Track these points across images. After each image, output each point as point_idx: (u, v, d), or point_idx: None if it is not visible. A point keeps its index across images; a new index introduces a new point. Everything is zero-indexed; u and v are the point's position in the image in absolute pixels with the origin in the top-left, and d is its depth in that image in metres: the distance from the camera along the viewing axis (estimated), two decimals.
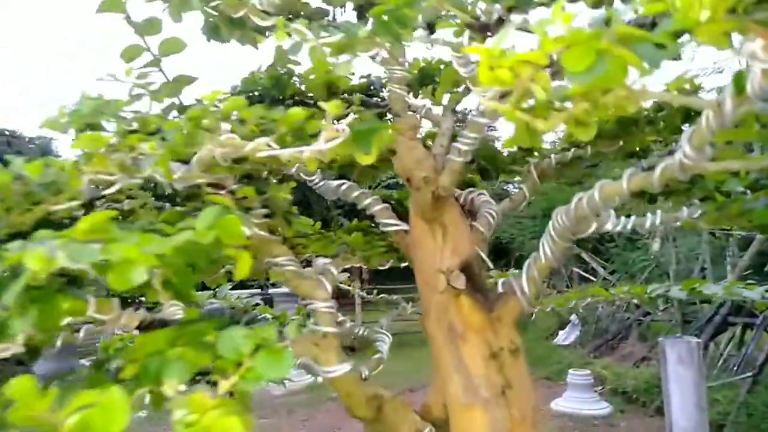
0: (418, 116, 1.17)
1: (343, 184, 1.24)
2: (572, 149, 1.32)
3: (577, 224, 0.95)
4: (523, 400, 1.06)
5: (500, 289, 1.11)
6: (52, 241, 0.52)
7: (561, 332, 11.28)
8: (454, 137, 1.17)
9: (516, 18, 0.85)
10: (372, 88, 1.42)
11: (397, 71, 1.08)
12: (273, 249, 1.00)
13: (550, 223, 0.98)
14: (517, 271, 1.13)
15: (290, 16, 1.00)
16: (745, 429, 6.48)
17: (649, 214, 1.02)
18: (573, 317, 10.94)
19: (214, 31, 1.00)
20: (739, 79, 0.58)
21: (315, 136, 0.71)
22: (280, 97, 1.23)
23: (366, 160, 0.70)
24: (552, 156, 1.34)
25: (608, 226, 0.99)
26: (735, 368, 8.27)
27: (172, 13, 0.96)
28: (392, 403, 1.07)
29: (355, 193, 1.22)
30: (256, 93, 1.23)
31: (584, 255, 11.86)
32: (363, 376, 1.13)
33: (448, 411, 1.08)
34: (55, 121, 0.81)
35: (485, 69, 0.50)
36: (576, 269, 12.48)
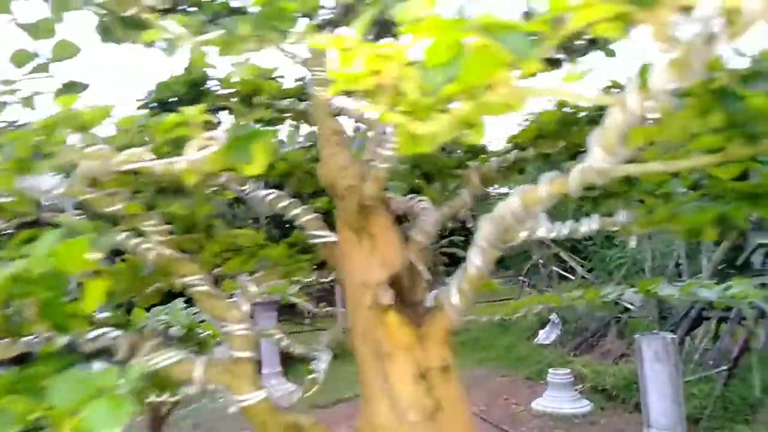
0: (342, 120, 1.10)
1: (271, 193, 1.16)
2: (514, 151, 1.26)
3: (504, 232, 0.88)
4: (455, 423, 0.98)
5: (429, 303, 1.04)
6: None
7: (541, 331, 11.30)
8: None
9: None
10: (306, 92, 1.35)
11: (317, 72, 1.01)
12: (180, 268, 0.91)
13: (478, 231, 0.91)
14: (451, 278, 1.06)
15: (189, 9, 0.92)
16: (722, 422, 6.52)
17: (585, 219, 0.95)
18: (553, 316, 10.97)
19: (106, 32, 0.91)
20: (643, 73, 0.52)
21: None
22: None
23: (252, 170, 0.62)
24: (493, 159, 1.28)
25: (541, 232, 0.93)
26: (711, 362, 8.34)
27: (54, 13, 0.87)
28: (313, 430, 1.00)
29: (283, 203, 1.14)
30: (173, 100, 1.14)
31: (563, 254, 11.90)
32: (295, 398, 1.05)
33: None
34: None
35: (336, 63, 0.43)
36: (555, 268, 12.52)
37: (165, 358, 0.84)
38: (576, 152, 1.29)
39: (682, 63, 0.48)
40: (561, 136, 1.19)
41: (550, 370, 8.01)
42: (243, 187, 1.26)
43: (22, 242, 0.60)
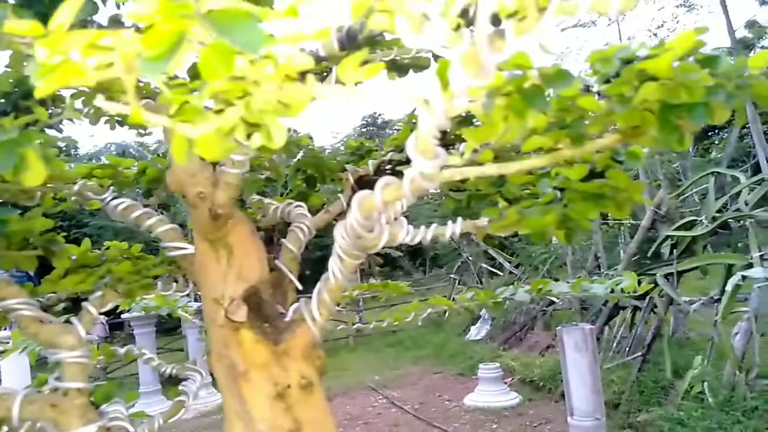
0: None
1: (122, 203, 1.06)
2: (390, 153, 1.22)
3: (358, 239, 0.83)
4: None
5: (289, 316, 0.98)
6: None
7: (473, 328, 11.55)
8: None
9: None
10: None
11: None
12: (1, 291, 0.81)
13: (335, 242, 0.86)
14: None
15: None
16: (638, 405, 6.84)
17: (450, 222, 0.93)
18: (483, 312, 11.23)
19: None
20: (442, 72, 0.48)
21: None
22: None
23: (30, 181, 0.54)
24: (370, 161, 1.24)
25: (403, 237, 0.89)
26: (627, 349, 8.77)
27: None
28: None
29: (136, 213, 1.05)
30: None
31: (491, 251, 12.21)
32: (159, 425, 0.96)
33: None
34: None
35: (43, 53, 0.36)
36: (484, 265, 12.83)
37: None
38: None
39: (472, 60, 0.44)
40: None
41: (481, 365, 8.18)
42: (101, 196, 1.15)
43: None
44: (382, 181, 0.68)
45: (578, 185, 0.78)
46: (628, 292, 1.81)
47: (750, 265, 6.36)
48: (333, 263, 0.88)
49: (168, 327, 13.26)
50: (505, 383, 8.34)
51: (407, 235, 0.88)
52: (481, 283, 12.28)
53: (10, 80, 0.93)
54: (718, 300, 6.54)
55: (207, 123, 0.42)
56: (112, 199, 1.12)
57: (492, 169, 0.64)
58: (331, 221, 1.22)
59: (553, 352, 9.30)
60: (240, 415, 0.91)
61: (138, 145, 22.95)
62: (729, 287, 6.19)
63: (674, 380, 6.74)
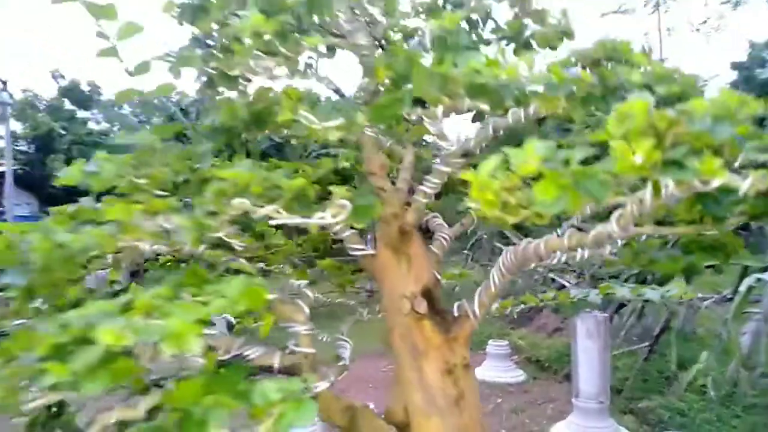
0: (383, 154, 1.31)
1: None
2: None
3: (523, 263, 1.14)
4: (474, 409, 1.26)
5: (456, 312, 1.30)
6: (118, 319, 0.63)
7: None
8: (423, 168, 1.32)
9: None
10: None
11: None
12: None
13: (500, 259, 1.17)
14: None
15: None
16: (641, 393, 7.13)
17: (579, 250, 1.22)
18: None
19: (208, 84, 1.08)
20: (657, 185, 0.77)
21: (317, 202, 0.84)
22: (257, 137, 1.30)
23: (359, 225, 0.84)
24: None
25: (548, 261, 1.20)
26: (635, 338, 9.08)
27: (173, 70, 1.03)
28: (362, 412, 1.24)
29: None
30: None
31: (507, 231, 12.44)
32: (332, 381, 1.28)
33: (410, 418, 1.27)
34: (72, 177, 0.88)
35: (476, 191, 0.65)
36: (498, 244, 13.06)
37: (253, 351, 1.05)
38: None
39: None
40: None
41: (490, 342, 8.54)
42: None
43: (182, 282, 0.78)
44: (569, 230, 0.98)
45: (698, 237, 1.07)
46: (679, 298, 2.12)
47: (766, 268, 6.59)
48: (495, 274, 1.19)
49: None
50: (512, 360, 8.69)
51: (551, 258, 1.18)
52: (491, 260, 12.56)
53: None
54: (731, 299, 6.81)
55: (522, 213, 0.72)
56: None
57: (649, 230, 0.93)
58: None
59: (561, 335, 9.67)
60: (419, 384, 1.24)
61: (166, 99, 23.06)
62: (743, 287, 6.41)
63: (678, 372, 7.03)
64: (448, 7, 1.23)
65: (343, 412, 1.20)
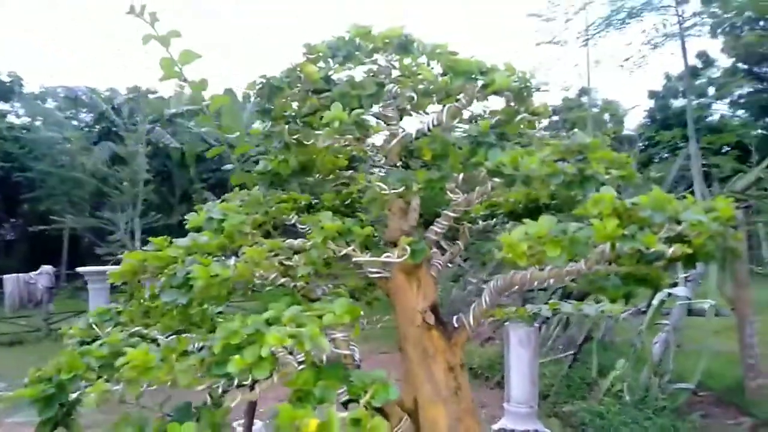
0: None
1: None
2: (492, 219, 1.93)
3: (510, 287, 1.54)
4: (468, 398, 1.66)
5: (455, 324, 1.69)
6: (272, 327, 0.96)
7: None
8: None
9: None
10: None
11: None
12: None
13: (491, 283, 1.56)
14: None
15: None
16: (565, 397, 7.74)
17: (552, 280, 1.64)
18: None
19: (263, 113, 1.41)
20: (614, 245, 1.18)
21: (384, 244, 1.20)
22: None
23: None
24: (480, 222, 1.94)
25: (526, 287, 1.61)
26: (560, 347, 9.81)
27: (265, 143, 1.37)
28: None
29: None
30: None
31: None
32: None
33: (419, 405, 1.63)
34: (197, 221, 1.18)
35: (508, 248, 1.03)
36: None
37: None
38: None
39: None
40: (525, 215, 1.87)
41: None
42: None
43: None
44: (549, 267, 1.39)
45: (635, 272, 1.50)
46: (613, 312, 2.61)
47: (675, 284, 7.41)
48: (486, 295, 1.59)
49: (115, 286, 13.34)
50: None
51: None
52: None
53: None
54: (644, 312, 7.60)
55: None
56: None
57: (604, 268, 1.35)
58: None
59: (492, 344, 10.27)
60: (427, 379, 1.61)
61: (90, 91, 22.17)
62: (655, 301, 7.19)
63: (598, 378, 7.72)
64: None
65: None
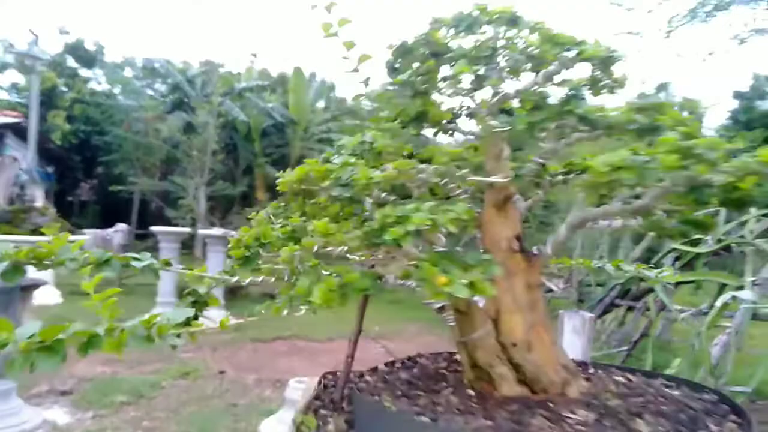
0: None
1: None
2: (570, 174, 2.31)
3: (583, 222, 1.93)
4: (542, 311, 2.06)
5: (534, 251, 2.09)
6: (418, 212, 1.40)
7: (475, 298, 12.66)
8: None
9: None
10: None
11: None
12: None
13: (568, 218, 1.95)
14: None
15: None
16: None
17: (619, 217, 2.00)
18: None
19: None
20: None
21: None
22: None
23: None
24: (557, 176, 2.32)
25: (602, 224, 1.99)
26: (615, 343, 9.97)
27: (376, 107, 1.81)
28: (474, 306, 2.03)
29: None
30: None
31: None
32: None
33: (499, 314, 2.04)
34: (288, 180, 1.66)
35: (594, 172, 1.43)
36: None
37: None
38: None
39: None
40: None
41: None
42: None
43: None
44: (616, 203, 1.77)
45: (688, 215, 1.85)
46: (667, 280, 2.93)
47: (742, 287, 7.45)
48: (563, 227, 1.98)
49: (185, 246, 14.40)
50: None
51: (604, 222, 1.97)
52: None
53: None
54: (706, 313, 7.68)
55: None
56: None
57: (663, 206, 1.71)
58: None
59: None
60: (509, 292, 2.02)
61: (166, 62, 23.47)
62: (719, 303, 7.27)
63: None
64: None
65: (465, 301, 1.97)
